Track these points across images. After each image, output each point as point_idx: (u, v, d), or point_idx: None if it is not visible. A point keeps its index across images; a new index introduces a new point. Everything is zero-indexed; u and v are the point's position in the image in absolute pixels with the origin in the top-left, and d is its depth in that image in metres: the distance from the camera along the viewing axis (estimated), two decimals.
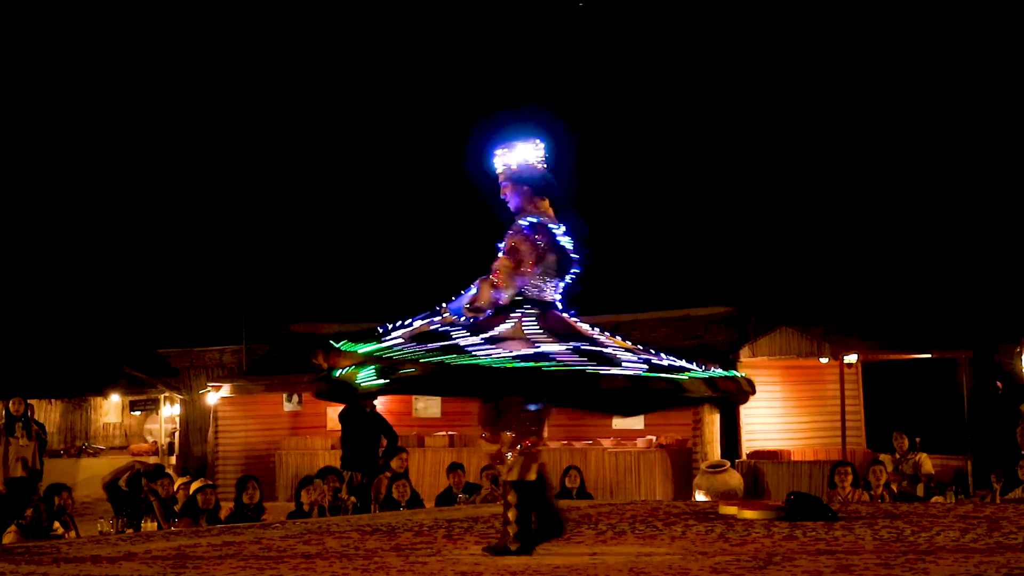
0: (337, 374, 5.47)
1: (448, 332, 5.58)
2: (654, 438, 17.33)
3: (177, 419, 22.55)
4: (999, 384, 15.74)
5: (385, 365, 5.28)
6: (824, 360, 16.63)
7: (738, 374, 5.74)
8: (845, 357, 16.34)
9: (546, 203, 6.01)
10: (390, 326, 5.73)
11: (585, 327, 5.79)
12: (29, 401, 18.26)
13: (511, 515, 5.59)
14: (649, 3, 29.32)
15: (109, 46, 31.02)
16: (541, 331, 5.58)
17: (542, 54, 29.07)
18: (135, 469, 11.94)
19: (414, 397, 18.78)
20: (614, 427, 17.80)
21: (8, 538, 9.82)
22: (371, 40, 32.09)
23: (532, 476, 5.62)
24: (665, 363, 5.54)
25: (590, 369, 5.22)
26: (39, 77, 31.22)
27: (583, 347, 5.47)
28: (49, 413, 22.63)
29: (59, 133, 30.76)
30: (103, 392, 23.11)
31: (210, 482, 13.02)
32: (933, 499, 12.20)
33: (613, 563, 5.16)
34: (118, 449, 22.22)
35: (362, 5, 31.77)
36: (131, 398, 23.33)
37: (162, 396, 22.73)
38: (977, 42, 25.55)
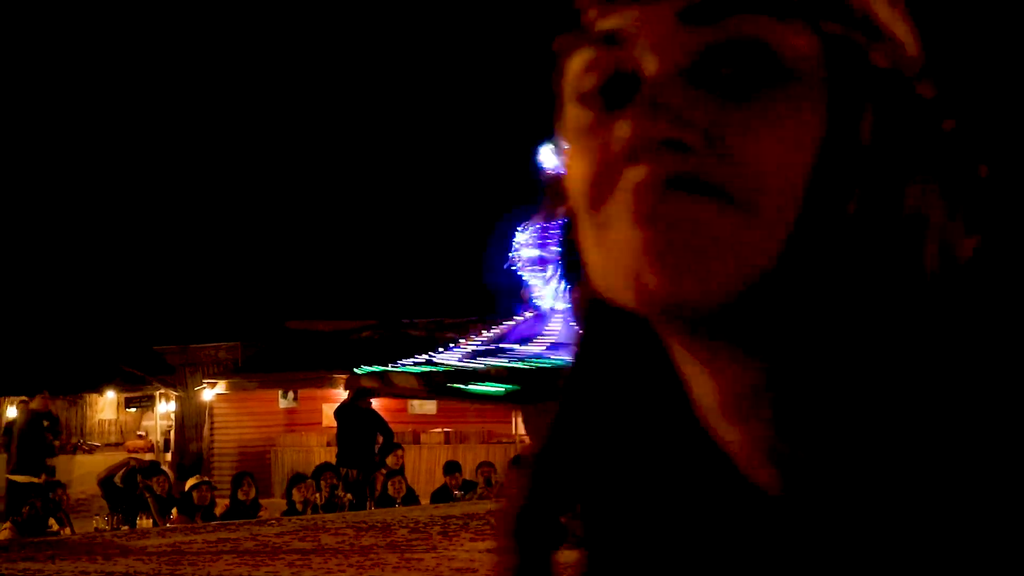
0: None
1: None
2: None
3: (172, 416, 22.54)
4: None
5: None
6: None
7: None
8: None
9: None
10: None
11: None
12: (24, 398, 18.27)
13: None
14: None
15: (109, 46, 30.98)
16: None
17: (537, 51, 29.05)
18: (130, 466, 11.94)
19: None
20: None
21: (4, 535, 9.83)
22: (371, 39, 32.06)
23: None
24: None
25: None
26: (39, 77, 31.18)
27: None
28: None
29: (59, 133, 30.72)
30: (98, 389, 23.08)
31: (206, 479, 13.03)
32: None
33: None
34: (113, 446, 22.19)
35: (357, 6, 31.74)
36: (126, 395, 23.31)
37: (157, 393, 22.72)
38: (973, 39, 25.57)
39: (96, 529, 10.20)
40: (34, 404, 13.29)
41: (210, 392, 20.64)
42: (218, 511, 10.94)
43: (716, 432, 0.64)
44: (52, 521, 10.45)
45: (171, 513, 10.88)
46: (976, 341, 0.57)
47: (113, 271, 28.73)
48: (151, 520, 10.62)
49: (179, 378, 22.66)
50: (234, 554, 5.76)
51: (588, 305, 0.67)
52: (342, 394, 15.41)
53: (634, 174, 0.57)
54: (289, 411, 21.34)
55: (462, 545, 5.99)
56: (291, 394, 21.21)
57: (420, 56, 31.26)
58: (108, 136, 30.73)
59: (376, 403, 14.03)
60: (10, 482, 12.04)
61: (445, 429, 19.08)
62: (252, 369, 21.14)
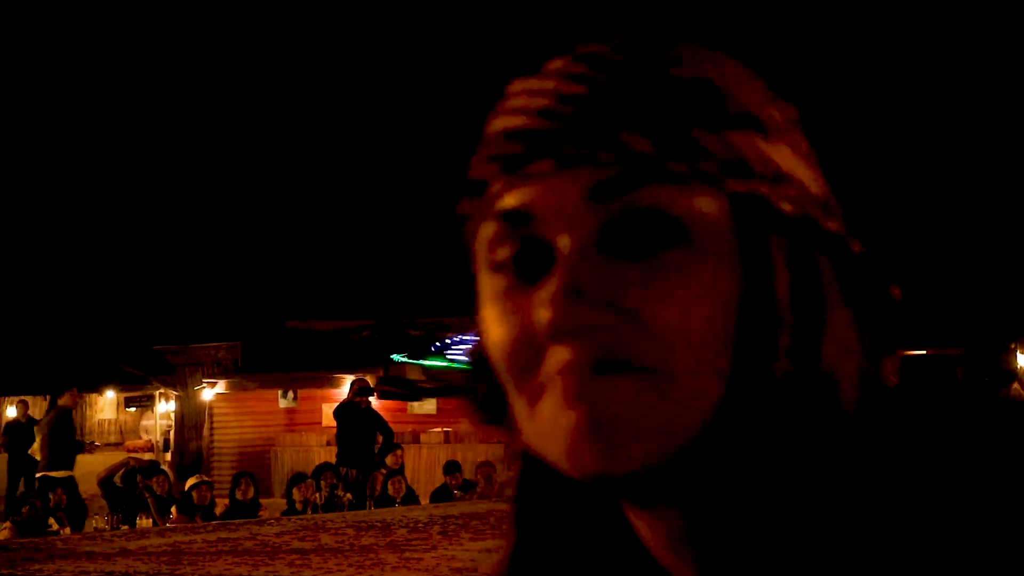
0: None
1: None
2: None
3: (172, 415, 22.53)
4: (986, 379, 15.74)
5: None
6: None
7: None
8: None
9: None
10: None
11: None
12: (24, 398, 18.27)
13: None
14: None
15: (109, 46, 30.96)
16: None
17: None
18: (130, 465, 11.93)
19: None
20: None
21: (3, 535, 9.82)
22: (371, 37, 32.04)
23: None
24: None
25: None
26: (39, 77, 31.15)
27: None
28: (44, 409, 22.59)
29: (59, 133, 30.70)
30: (98, 389, 23.06)
31: (206, 478, 13.03)
32: None
33: None
34: (113, 445, 22.18)
35: (360, 4, 31.72)
36: (126, 394, 23.30)
37: (157, 392, 22.71)
38: (965, 31, 25.56)
39: (96, 529, 10.20)
40: (63, 400, 13.30)
41: (210, 392, 20.63)
42: (218, 511, 10.94)
43: (660, 560, 0.67)
44: (52, 520, 10.45)
45: (171, 512, 10.88)
46: (901, 465, 0.60)
47: (113, 271, 28.74)
48: (151, 520, 10.62)
49: (179, 378, 22.65)
50: (234, 554, 5.75)
51: (522, 453, 0.69)
52: (342, 394, 15.38)
53: (559, 356, 0.60)
54: (289, 411, 21.34)
55: (462, 545, 5.99)
56: (291, 394, 21.20)
57: (420, 56, 31.26)
58: (108, 136, 30.73)
59: (376, 403, 14.02)
60: (44, 478, 12.02)
61: (445, 429, 19.07)
62: (252, 369, 21.12)
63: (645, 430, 0.59)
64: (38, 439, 12.96)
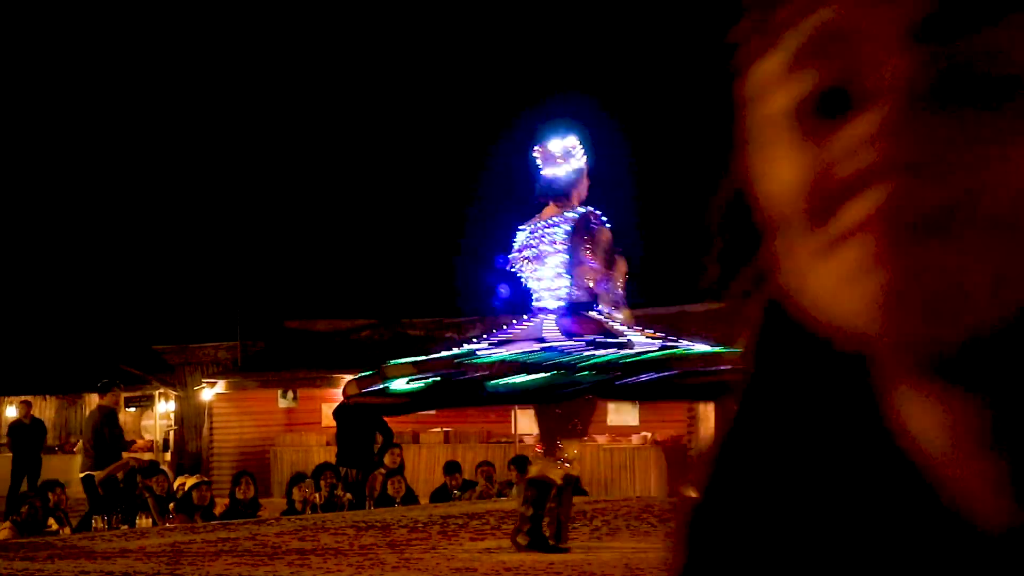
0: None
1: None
2: (649, 434, 17.34)
3: (172, 415, 22.53)
4: None
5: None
6: None
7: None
8: None
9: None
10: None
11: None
12: (26, 398, 18.26)
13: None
14: None
15: (109, 46, 30.96)
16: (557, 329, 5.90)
17: (538, 53, 29.03)
18: (130, 466, 11.93)
19: None
20: (609, 423, 17.81)
21: (3, 534, 9.82)
22: (370, 38, 32.04)
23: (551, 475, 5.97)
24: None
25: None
26: (39, 77, 31.16)
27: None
28: (44, 409, 22.61)
29: (59, 133, 30.70)
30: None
31: (205, 478, 13.03)
32: None
33: (608, 559, 5.18)
34: None
35: (355, 7, 31.73)
36: (126, 395, 23.28)
37: (157, 392, 22.71)
38: None
39: (95, 528, 10.19)
40: (105, 400, 13.32)
41: (209, 392, 20.64)
42: (218, 511, 10.94)
43: (935, 467, 0.57)
44: (51, 520, 10.44)
45: (170, 512, 10.89)
46: None
47: (112, 271, 28.74)
48: (151, 520, 10.62)
49: (178, 378, 22.65)
50: (234, 554, 5.76)
51: (769, 311, 0.60)
52: (342, 394, 15.34)
53: (869, 205, 0.51)
54: (288, 411, 21.34)
55: (462, 545, 6.00)
56: (290, 394, 21.20)
57: (418, 56, 31.27)
58: (108, 136, 30.73)
59: None
60: (88, 477, 12.02)
61: (445, 429, 19.07)
62: (252, 369, 21.12)
63: (973, 293, 0.50)
64: (83, 438, 12.99)
